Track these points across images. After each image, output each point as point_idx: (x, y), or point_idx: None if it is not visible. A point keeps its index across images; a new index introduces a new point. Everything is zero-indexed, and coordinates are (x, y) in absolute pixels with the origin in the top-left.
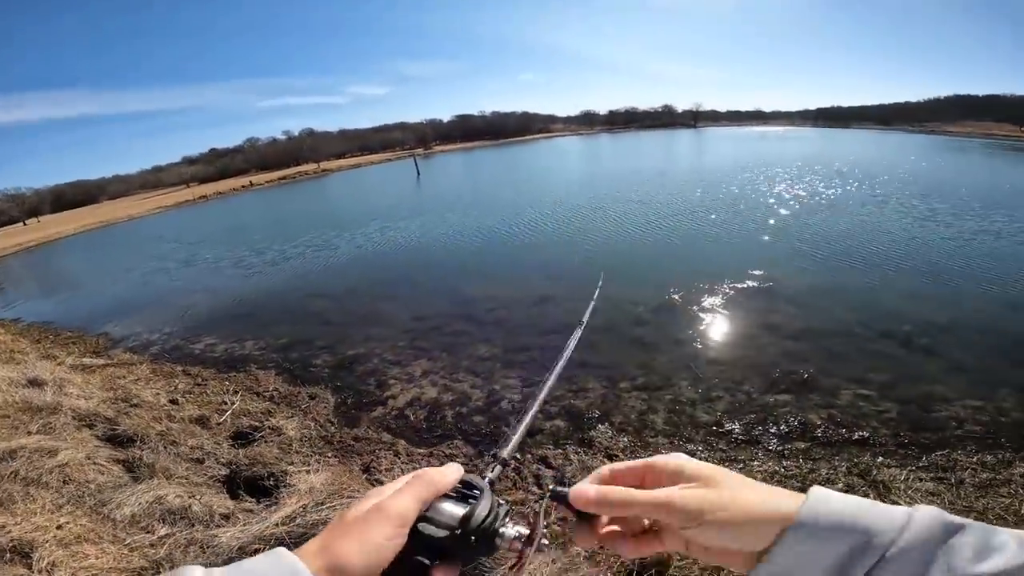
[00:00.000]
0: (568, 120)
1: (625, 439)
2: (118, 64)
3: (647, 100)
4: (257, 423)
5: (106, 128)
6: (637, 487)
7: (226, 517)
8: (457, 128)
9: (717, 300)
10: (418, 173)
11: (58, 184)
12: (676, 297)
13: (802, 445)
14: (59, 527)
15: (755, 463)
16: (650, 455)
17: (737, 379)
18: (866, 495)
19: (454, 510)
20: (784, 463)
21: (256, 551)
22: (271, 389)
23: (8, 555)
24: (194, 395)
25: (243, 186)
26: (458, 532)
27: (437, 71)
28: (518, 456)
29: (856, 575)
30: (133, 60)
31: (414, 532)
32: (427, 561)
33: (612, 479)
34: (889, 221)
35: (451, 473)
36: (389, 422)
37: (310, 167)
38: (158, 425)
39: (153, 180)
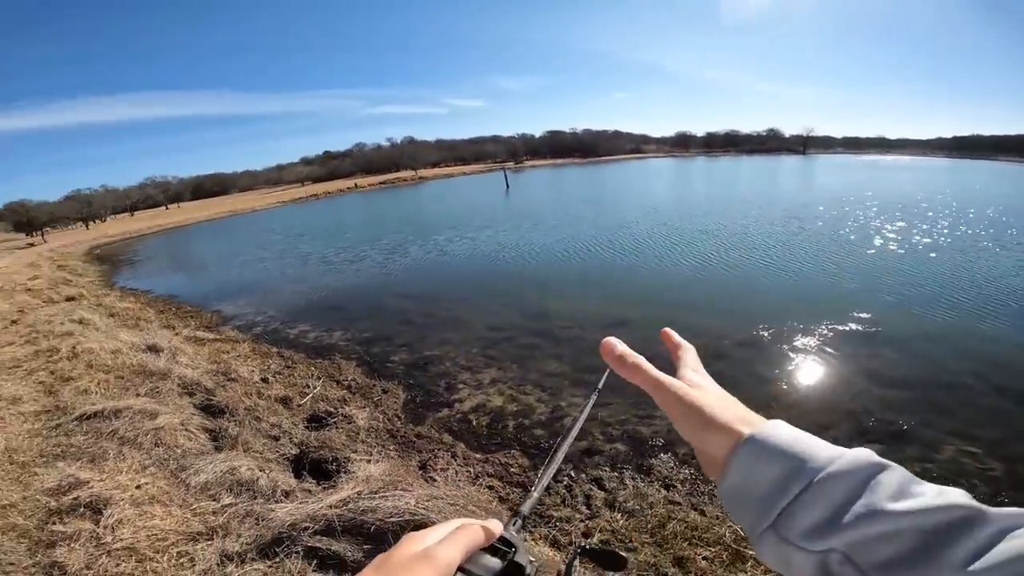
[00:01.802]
0: (662, 141)
1: (687, 471)
2: (254, 69)
3: (750, 123)
4: (332, 409)
5: (242, 127)
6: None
7: (287, 494)
8: (547, 144)
9: (810, 340)
10: (507, 186)
11: (199, 175)
12: (764, 333)
13: None
14: (138, 487)
15: None
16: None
17: (822, 423)
18: None
19: (492, 563)
20: None
21: (306, 529)
22: (350, 379)
23: (83, 509)
24: (283, 376)
25: (348, 188)
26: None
27: (531, 86)
28: (572, 474)
29: (786, 496)
30: (265, 66)
31: None
32: None
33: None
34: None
35: (494, 527)
36: (452, 424)
37: (408, 174)
38: (247, 400)
39: (275, 177)
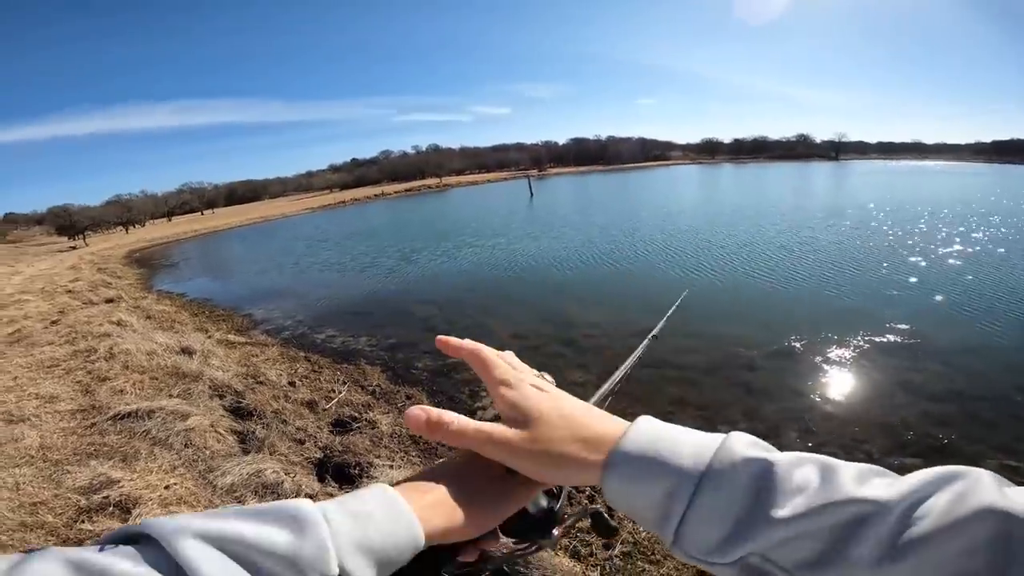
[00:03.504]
0: (687, 148)
1: None
2: (288, 79)
3: (780, 128)
4: (357, 414)
5: (275, 135)
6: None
7: (310, 497)
8: (572, 151)
9: (846, 352)
10: (531, 194)
11: (231, 182)
12: (797, 345)
13: None
14: (167, 487)
15: None
16: None
17: (858, 437)
18: None
19: (542, 501)
20: None
21: None
22: (375, 384)
23: (112, 508)
24: (309, 380)
25: (375, 195)
26: (543, 516)
27: (556, 93)
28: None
29: (673, 519)
30: (297, 75)
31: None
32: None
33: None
34: None
35: None
36: None
37: (433, 181)
38: (275, 403)
39: (305, 184)
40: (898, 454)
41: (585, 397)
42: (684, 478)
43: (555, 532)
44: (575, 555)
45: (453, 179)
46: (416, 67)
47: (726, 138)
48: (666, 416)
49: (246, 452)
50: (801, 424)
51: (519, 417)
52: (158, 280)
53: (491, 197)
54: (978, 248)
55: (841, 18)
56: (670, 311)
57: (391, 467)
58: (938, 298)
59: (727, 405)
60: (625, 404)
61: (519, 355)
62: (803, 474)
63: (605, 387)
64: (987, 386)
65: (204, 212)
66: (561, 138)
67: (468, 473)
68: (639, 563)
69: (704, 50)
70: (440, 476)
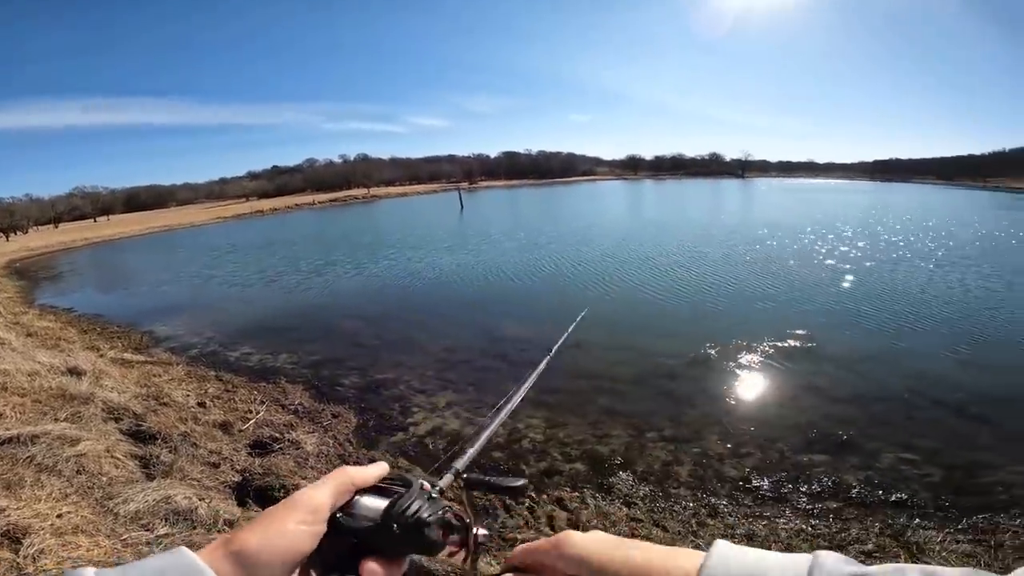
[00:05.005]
0: (613, 163)
1: (646, 488)
2: (205, 78)
3: (695, 146)
4: (278, 434)
5: (188, 138)
6: (538, 573)
7: (230, 523)
8: (503, 165)
9: (755, 358)
10: (462, 206)
11: (135, 186)
12: (712, 352)
13: (834, 505)
14: (59, 516)
15: (780, 520)
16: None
17: (771, 437)
18: (896, 557)
19: (377, 503)
20: (812, 522)
21: None
22: (297, 403)
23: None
24: (222, 400)
25: (296, 204)
26: (379, 524)
27: (496, 107)
28: (533, 496)
29: None
30: (216, 74)
31: (335, 524)
32: (352, 546)
33: (516, 562)
34: (950, 287)
35: (373, 469)
36: (408, 448)
37: (360, 192)
38: (182, 426)
39: (218, 191)
40: (807, 452)
41: (521, 413)
42: None
43: (432, 527)
44: None
45: (382, 190)
46: (352, 72)
47: (648, 155)
48: (597, 426)
49: (150, 478)
50: (721, 428)
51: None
52: (41, 294)
53: (422, 209)
54: (863, 258)
55: (757, 47)
56: (569, 328)
57: None
58: (830, 306)
59: (653, 413)
60: (560, 416)
61: (450, 369)
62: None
63: (507, 407)
64: (879, 386)
65: (97, 219)
66: (493, 152)
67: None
68: None
69: (635, 70)
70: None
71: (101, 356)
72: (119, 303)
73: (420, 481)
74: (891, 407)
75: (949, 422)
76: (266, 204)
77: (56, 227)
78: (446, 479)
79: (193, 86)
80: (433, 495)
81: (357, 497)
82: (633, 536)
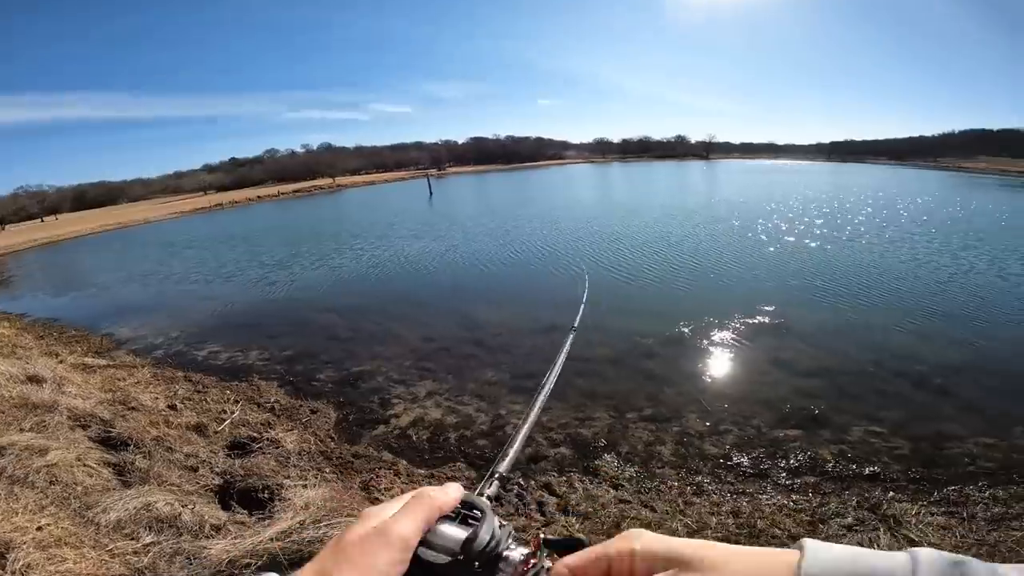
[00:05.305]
0: (581, 147)
1: (631, 469)
2: (156, 69)
3: (661, 129)
4: (256, 434)
5: (138, 131)
6: None
7: (217, 528)
8: (472, 150)
9: (728, 335)
10: (431, 193)
11: (81, 184)
12: (686, 331)
13: (812, 479)
14: (39, 528)
15: (763, 496)
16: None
17: (747, 413)
18: (876, 529)
19: (456, 533)
20: (793, 497)
21: (248, 566)
22: (272, 401)
23: None
24: (194, 402)
25: (258, 196)
26: (460, 557)
27: (460, 92)
28: (521, 482)
29: None
30: (171, 66)
31: (415, 558)
32: None
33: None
34: (904, 261)
35: (452, 492)
36: (391, 441)
37: (325, 182)
38: (154, 430)
39: (173, 185)
40: (782, 427)
41: (502, 399)
42: None
43: (508, 562)
44: None
45: (348, 179)
46: (311, 60)
47: (616, 138)
48: (579, 409)
49: (128, 485)
50: (699, 406)
51: (677, 561)
52: None
53: (390, 197)
54: (824, 235)
55: (723, 33)
56: (582, 305)
57: (305, 486)
58: (794, 283)
59: (632, 393)
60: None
61: (428, 358)
62: (1002, 569)
63: (547, 387)
64: (843, 359)
65: (45, 219)
66: (461, 138)
67: None
68: None
69: (603, 54)
70: None
71: (61, 362)
72: (75, 306)
73: (490, 504)
74: (856, 380)
75: (911, 393)
76: (226, 197)
77: (3, 229)
78: (493, 487)
79: (140, 79)
80: (503, 523)
81: (435, 525)
82: (624, 519)
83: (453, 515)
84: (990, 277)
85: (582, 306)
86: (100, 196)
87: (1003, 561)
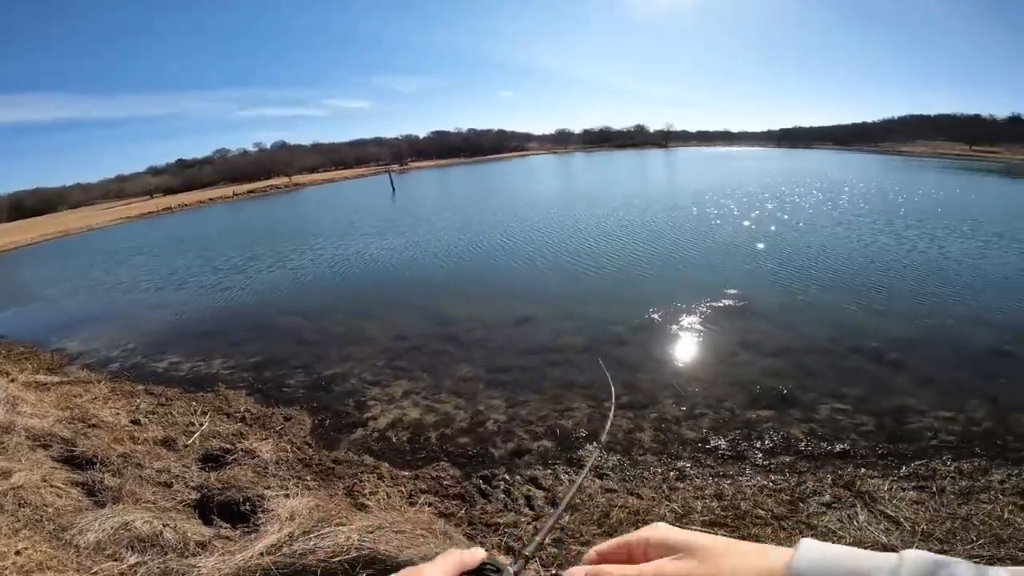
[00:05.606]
0: (543, 138)
1: (614, 458)
2: (92, 69)
3: (621, 119)
4: (228, 445)
5: (74, 134)
6: (625, 563)
7: (202, 545)
8: (433, 144)
9: (695, 319)
10: (393, 189)
11: (17, 192)
12: (655, 317)
13: (787, 459)
14: (17, 552)
15: (743, 478)
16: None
17: (719, 396)
18: (853, 506)
19: None
20: (772, 477)
21: None
22: (242, 410)
23: None
24: (158, 415)
25: (210, 199)
26: None
27: (420, 87)
28: (507, 478)
29: None
30: (107, 65)
31: None
32: None
33: (600, 560)
34: (850, 242)
35: (478, 555)
36: (371, 444)
37: (281, 181)
38: (120, 447)
39: (116, 190)
40: (753, 408)
41: (479, 395)
42: None
43: None
44: None
45: (305, 177)
46: (260, 56)
47: (577, 129)
48: (558, 400)
49: (100, 504)
50: (673, 391)
51: (686, 548)
52: None
53: (351, 195)
54: (778, 219)
55: (680, 24)
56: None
57: (287, 496)
58: (752, 266)
59: (606, 382)
60: (519, 395)
61: (401, 357)
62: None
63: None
64: (805, 338)
65: None
66: (422, 132)
67: None
68: None
69: (561, 45)
70: None
71: (12, 381)
72: (20, 320)
73: (509, 564)
74: (818, 358)
75: (870, 369)
76: (175, 200)
77: None
78: (518, 564)
79: (73, 78)
80: None
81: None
82: (612, 508)
83: (475, 570)
84: (931, 256)
85: (611, 415)
86: (39, 204)
87: (978, 536)
